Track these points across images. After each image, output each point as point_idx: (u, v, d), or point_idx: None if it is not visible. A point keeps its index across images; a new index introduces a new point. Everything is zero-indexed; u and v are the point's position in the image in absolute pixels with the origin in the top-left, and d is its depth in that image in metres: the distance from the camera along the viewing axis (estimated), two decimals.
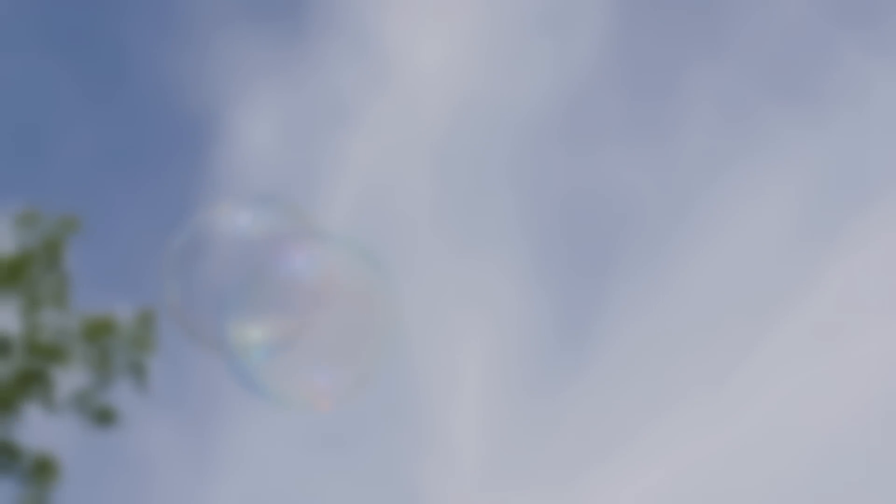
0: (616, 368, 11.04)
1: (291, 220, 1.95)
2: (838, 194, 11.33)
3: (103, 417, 8.90)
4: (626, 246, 11.38)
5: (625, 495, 10.53)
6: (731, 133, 11.49)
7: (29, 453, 8.72)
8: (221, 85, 11.34)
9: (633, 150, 11.55)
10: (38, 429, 8.76)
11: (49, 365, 8.88)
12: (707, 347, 11.14)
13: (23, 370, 8.83)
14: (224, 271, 1.91)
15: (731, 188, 11.43)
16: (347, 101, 11.26)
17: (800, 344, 11.09)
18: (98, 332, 8.97)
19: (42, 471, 8.69)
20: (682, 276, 11.40)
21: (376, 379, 1.92)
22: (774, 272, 11.36)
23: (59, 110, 11.83)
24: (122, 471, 9.91)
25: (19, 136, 11.42)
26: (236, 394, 1.92)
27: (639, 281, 11.28)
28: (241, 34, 11.52)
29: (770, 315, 11.15)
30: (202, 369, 1.97)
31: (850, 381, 10.90)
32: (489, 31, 11.68)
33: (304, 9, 12.20)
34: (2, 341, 8.87)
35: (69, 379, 8.92)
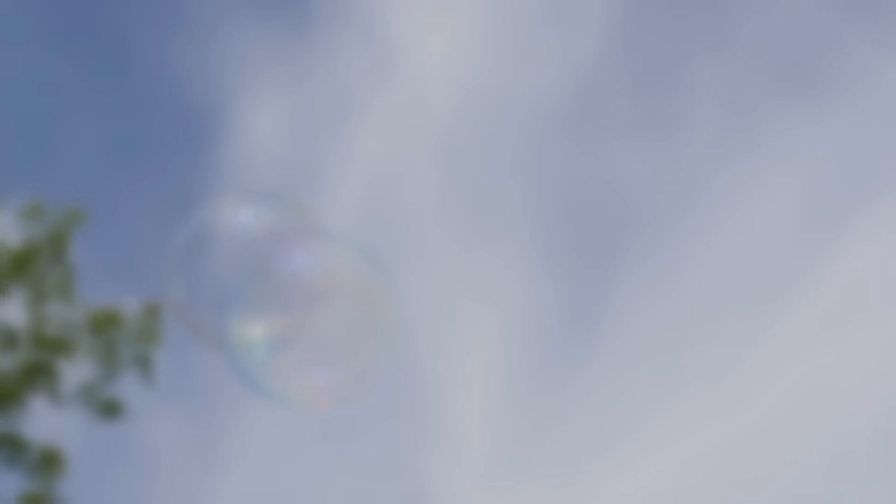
0: (621, 361, 11.04)
1: (294, 217, 1.95)
2: (843, 187, 11.31)
3: (109, 410, 8.91)
4: (631, 238, 11.38)
5: (630, 487, 10.54)
6: (736, 125, 11.48)
7: (35, 446, 8.73)
8: (227, 77, 11.34)
9: (638, 143, 11.54)
10: (44, 421, 8.78)
11: (55, 358, 8.88)
12: (711, 340, 11.14)
13: (29, 363, 8.83)
14: (226, 269, 1.91)
15: (735, 180, 11.42)
16: (353, 93, 11.25)
17: (805, 336, 11.08)
18: (104, 325, 8.98)
19: (48, 463, 8.70)
20: (686, 268, 11.39)
21: (377, 377, 1.92)
22: (779, 264, 11.35)
23: (64, 103, 11.84)
24: (128, 463, 9.92)
25: (25, 129, 11.43)
26: (242, 387, 1.92)
27: (644, 273, 11.28)
28: (247, 26, 11.51)
29: (775, 307, 11.15)
30: (208, 362, 1.97)
31: (855, 373, 10.89)
32: (495, 23, 11.67)
33: (309, 1, 12.19)
34: (8, 334, 8.88)
35: (75, 371, 8.92)
